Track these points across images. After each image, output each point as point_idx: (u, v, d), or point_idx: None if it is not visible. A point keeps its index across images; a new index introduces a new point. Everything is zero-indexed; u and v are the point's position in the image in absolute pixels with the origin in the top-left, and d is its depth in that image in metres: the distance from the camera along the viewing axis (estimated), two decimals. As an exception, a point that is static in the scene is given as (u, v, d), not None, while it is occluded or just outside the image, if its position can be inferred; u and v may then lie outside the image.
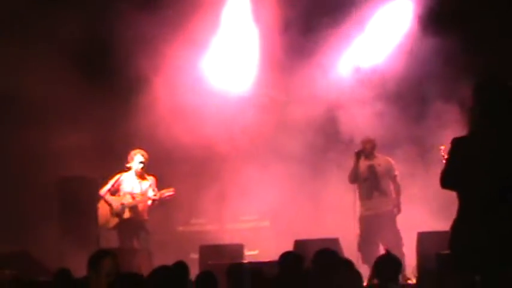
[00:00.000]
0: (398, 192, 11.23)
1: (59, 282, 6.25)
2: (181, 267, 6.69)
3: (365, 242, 10.88)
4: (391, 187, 11.24)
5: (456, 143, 5.61)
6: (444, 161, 5.76)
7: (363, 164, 11.21)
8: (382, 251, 10.59)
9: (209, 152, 12.33)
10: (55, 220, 11.73)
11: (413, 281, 9.58)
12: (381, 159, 11.31)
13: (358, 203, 11.19)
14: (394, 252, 10.28)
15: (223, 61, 13.01)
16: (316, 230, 11.17)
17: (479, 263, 5.32)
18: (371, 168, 11.21)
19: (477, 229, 5.35)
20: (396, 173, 11.29)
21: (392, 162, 11.35)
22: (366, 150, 11.21)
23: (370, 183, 11.18)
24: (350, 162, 11.28)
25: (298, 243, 10.10)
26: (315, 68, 12.49)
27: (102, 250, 5.71)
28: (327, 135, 12.44)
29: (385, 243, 10.74)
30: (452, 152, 5.59)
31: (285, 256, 7.10)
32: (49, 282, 6.83)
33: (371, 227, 10.97)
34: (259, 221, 12.79)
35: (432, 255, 8.39)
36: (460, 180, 5.48)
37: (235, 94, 12.86)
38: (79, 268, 9.66)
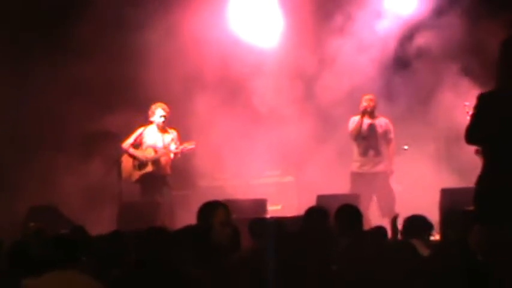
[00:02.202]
0: (392, 156, 11.37)
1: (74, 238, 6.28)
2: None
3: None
4: (387, 149, 11.33)
5: (482, 98, 5.54)
6: (469, 117, 5.71)
7: (364, 122, 11.25)
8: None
9: (232, 106, 12.28)
10: (79, 174, 11.84)
11: (436, 237, 9.56)
12: (381, 120, 11.40)
13: (352, 158, 11.34)
14: (388, 210, 10.54)
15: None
16: (339, 186, 11.18)
17: (505, 218, 5.29)
18: (371, 128, 11.28)
19: (503, 184, 5.32)
20: (392, 135, 11.40)
21: (390, 125, 11.43)
22: (369, 108, 11.21)
23: (368, 142, 11.28)
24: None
25: (321, 198, 10.12)
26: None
27: (214, 201, 5.67)
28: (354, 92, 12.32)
29: (380, 201, 11.04)
30: (478, 107, 5.53)
31: (310, 211, 7.10)
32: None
33: (364, 183, 11.04)
34: (282, 176, 12.77)
35: (456, 212, 8.35)
36: (486, 135, 5.44)
37: (263, 48, 12.73)
38: (102, 221, 9.88)
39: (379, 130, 11.31)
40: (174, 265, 5.07)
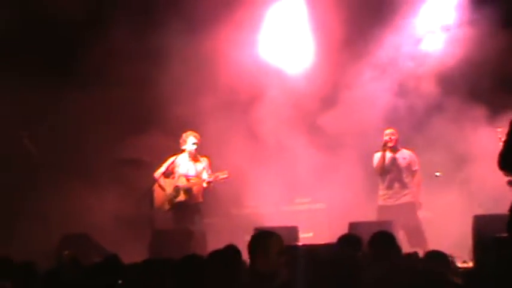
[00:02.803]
0: (418, 186, 11.41)
1: (108, 267, 6.32)
2: (233, 250, 6.73)
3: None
4: (412, 180, 11.37)
5: (514, 124, 5.53)
6: (502, 143, 5.69)
7: (387, 156, 11.35)
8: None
9: (263, 135, 12.34)
10: (112, 203, 11.93)
11: (469, 264, 9.50)
12: (404, 153, 11.46)
13: (379, 193, 11.40)
14: (417, 241, 10.52)
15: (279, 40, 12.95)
16: (370, 213, 11.17)
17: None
18: (394, 161, 11.35)
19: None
20: (417, 167, 11.44)
21: (414, 156, 11.46)
22: (390, 142, 11.28)
23: (393, 175, 11.36)
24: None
25: (353, 225, 10.09)
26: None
27: (267, 231, 5.70)
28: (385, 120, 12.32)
29: (407, 233, 11.02)
30: (510, 133, 5.52)
31: (344, 238, 7.08)
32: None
33: (390, 216, 10.98)
34: (313, 203, 12.75)
35: (489, 238, 8.29)
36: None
37: (293, 74, 12.80)
38: (134, 249, 9.90)
39: (403, 163, 11.41)
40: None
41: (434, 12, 12.58)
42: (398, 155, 11.44)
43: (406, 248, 10.55)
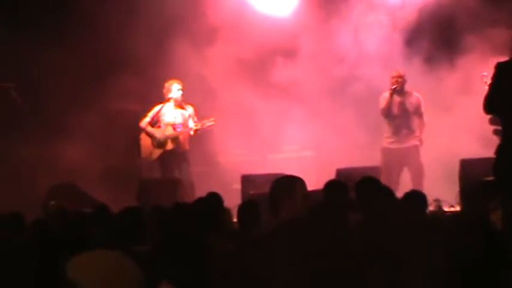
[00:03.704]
0: (422, 128, 11.27)
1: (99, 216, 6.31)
2: (214, 197, 6.77)
3: (387, 173, 10.86)
4: (417, 122, 11.26)
5: (500, 67, 5.53)
6: (487, 87, 5.69)
7: (395, 100, 11.16)
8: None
9: (252, 80, 12.28)
10: (98, 153, 11.94)
11: (456, 208, 9.57)
12: (412, 97, 11.25)
13: (384, 135, 11.27)
14: (418, 183, 10.53)
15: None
16: (359, 159, 11.17)
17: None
18: (402, 106, 11.18)
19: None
20: (423, 109, 11.26)
21: (421, 99, 11.28)
22: (398, 86, 11.12)
23: (400, 120, 11.18)
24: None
25: (341, 172, 10.12)
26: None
27: (291, 175, 5.64)
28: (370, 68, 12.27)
29: (411, 174, 11.01)
30: (496, 77, 5.52)
31: (330, 184, 7.09)
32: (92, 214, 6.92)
33: (395, 158, 11.03)
34: (301, 150, 12.76)
35: (476, 182, 8.34)
36: (504, 105, 5.43)
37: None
38: (123, 198, 9.92)
39: (410, 107, 11.18)
40: (203, 240, 5.09)
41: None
42: (406, 100, 11.21)
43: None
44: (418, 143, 11.19)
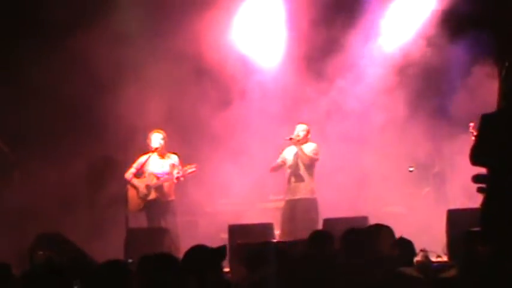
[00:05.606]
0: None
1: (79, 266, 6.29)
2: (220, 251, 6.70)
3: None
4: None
5: (485, 119, 5.58)
6: (473, 138, 5.74)
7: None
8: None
9: (234, 128, 12.33)
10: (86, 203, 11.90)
11: (444, 258, 9.56)
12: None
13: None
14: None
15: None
16: (346, 209, 11.18)
17: (510, 240, 5.30)
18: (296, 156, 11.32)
19: (508, 205, 5.33)
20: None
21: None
22: (298, 136, 11.25)
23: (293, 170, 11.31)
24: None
25: (327, 222, 10.12)
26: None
27: (379, 224, 5.63)
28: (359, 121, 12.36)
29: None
30: (481, 128, 5.56)
31: (315, 235, 7.09)
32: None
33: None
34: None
35: (463, 233, 8.34)
36: (490, 156, 5.46)
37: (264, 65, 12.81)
38: (109, 248, 9.88)
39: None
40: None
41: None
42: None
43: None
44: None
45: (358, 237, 6.39)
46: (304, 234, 9.56)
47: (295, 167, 11.30)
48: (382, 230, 5.48)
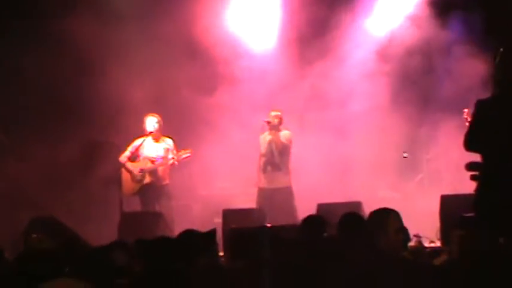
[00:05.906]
0: None
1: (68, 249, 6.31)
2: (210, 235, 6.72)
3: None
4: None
5: (479, 105, 5.59)
6: (467, 124, 5.75)
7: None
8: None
9: (231, 115, 12.32)
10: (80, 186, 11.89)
11: (437, 243, 9.60)
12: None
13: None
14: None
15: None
16: (339, 194, 11.20)
17: (503, 225, 5.32)
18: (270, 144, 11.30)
19: (502, 191, 5.35)
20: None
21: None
22: (272, 123, 11.26)
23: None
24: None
25: (321, 207, 10.13)
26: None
27: (386, 208, 5.63)
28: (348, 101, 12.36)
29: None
30: (475, 115, 5.57)
31: (308, 220, 7.10)
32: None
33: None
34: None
35: (456, 218, 8.37)
36: (484, 143, 5.47)
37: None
38: (103, 231, 9.89)
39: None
40: (183, 273, 5.09)
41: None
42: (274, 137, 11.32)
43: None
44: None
45: (359, 221, 6.39)
46: (288, 221, 9.73)
47: (270, 155, 11.31)
48: (391, 214, 5.48)
